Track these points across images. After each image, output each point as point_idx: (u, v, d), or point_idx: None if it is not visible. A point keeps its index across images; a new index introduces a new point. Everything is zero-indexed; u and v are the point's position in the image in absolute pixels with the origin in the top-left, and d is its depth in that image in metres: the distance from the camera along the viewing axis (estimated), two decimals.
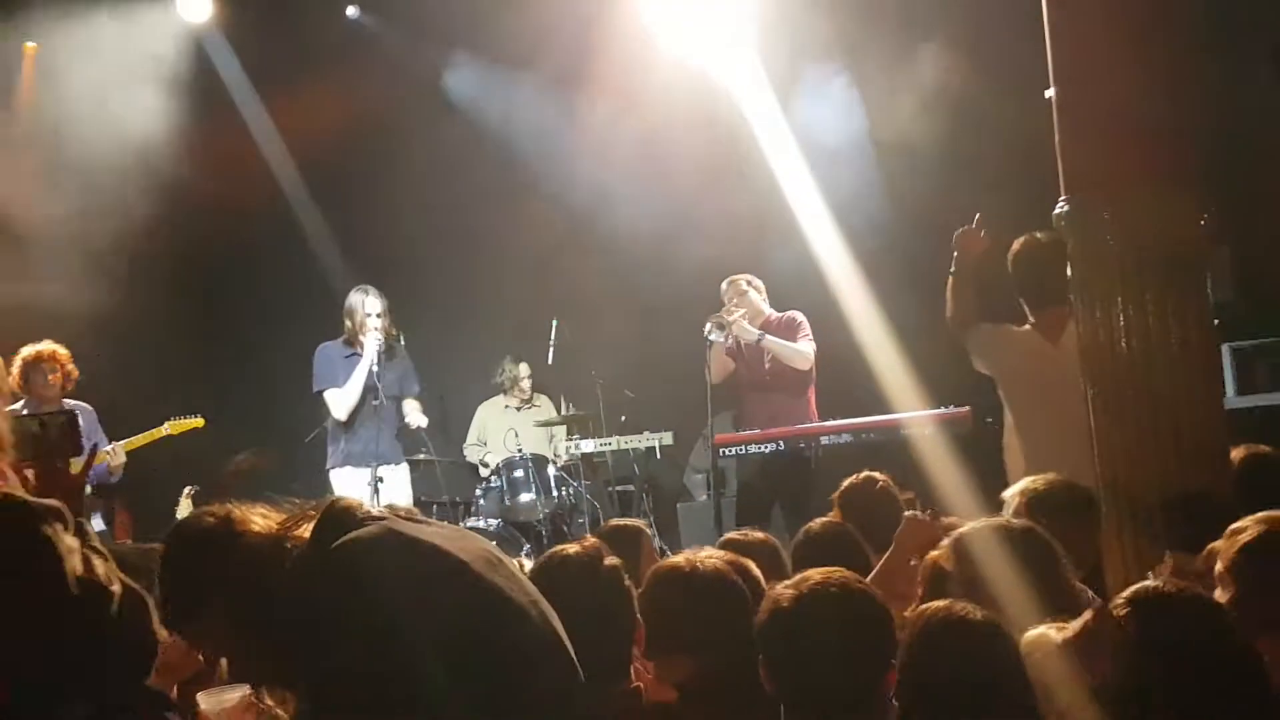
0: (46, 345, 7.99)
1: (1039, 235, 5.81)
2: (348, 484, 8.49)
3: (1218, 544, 3.60)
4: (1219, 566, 3.50)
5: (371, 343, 8.41)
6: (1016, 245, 5.92)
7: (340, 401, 8.48)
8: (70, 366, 7.97)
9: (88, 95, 9.56)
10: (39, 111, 9.79)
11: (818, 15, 9.23)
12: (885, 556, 4.59)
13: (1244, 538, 3.49)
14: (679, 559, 3.78)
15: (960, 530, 3.91)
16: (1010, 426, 6.12)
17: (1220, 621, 2.95)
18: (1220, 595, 3.40)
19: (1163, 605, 3.02)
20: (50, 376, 7.90)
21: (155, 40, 9.93)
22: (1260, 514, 3.53)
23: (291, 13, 10.22)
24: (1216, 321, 5.14)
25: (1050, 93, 5.09)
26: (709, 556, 3.79)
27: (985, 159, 8.52)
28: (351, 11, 10.64)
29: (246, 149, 10.14)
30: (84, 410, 7.89)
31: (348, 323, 8.51)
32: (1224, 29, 7.57)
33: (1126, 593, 3.07)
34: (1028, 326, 6.02)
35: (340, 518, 2.75)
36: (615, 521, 5.78)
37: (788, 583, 3.08)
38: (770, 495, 8.11)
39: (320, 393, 8.47)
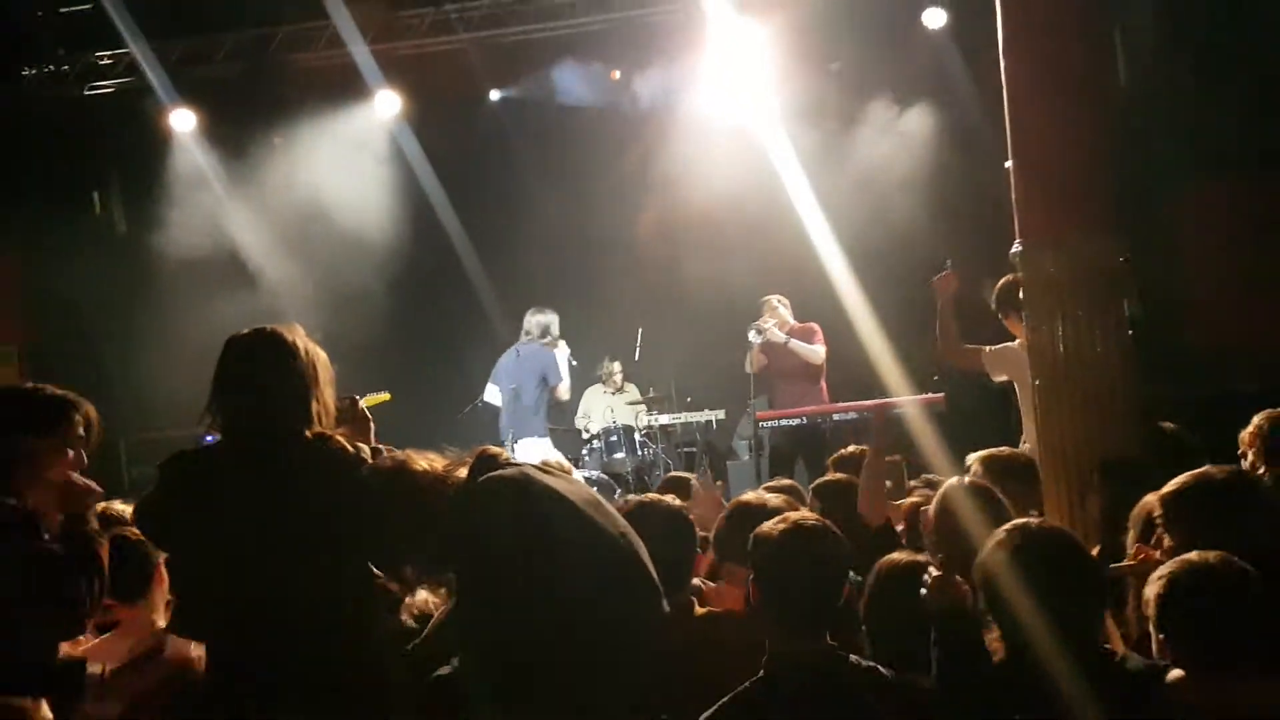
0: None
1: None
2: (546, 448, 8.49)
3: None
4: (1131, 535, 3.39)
5: (564, 348, 8.57)
6: (1001, 284, 5.79)
7: (566, 389, 8.63)
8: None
9: (317, 174, 9.55)
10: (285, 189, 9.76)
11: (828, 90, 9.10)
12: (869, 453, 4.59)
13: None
14: (750, 496, 3.79)
15: (942, 486, 3.80)
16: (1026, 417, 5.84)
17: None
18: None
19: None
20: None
21: (361, 130, 9.84)
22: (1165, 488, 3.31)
23: (451, 103, 10.05)
24: (1130, 332, 5.02)
25: (1009, 164, 5.02)
26: (771, 497, 3.78)
27: (957, 210, 8.42)
28: (494, 95, 10.37)
29: (424, 205, 10.10)
30: None
31: (549, 334, 8.53)
32: None
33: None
34: (1019, 342, 5.75)
35: (488, 461, 2.80)
36: (672, 474, 6.08)
37: (773, 520, 2.95)
38: (794, 456, 8.09)
39: (554, 387, 8.52)
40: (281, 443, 2.89)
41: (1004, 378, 5.98)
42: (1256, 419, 4.30)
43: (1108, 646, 2.75)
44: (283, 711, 2.78)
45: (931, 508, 3.75)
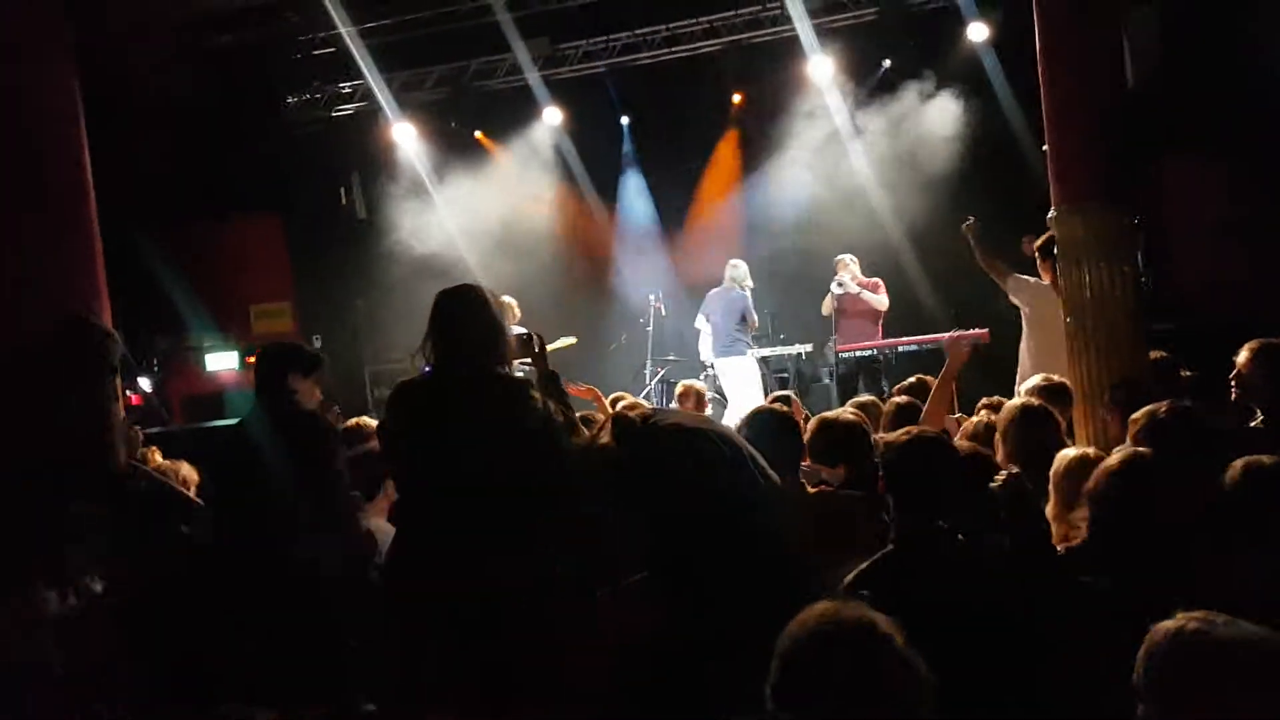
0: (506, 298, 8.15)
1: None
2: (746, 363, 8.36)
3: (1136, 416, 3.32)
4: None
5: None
6: (1042, 239, 5.59)
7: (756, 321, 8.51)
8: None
9: (502, 171, 9.59)
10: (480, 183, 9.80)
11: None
12: (941, 376, 4.38)
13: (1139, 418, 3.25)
14: (830, 414, 3.60)
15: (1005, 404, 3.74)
16: (1025, 336, 5.75)
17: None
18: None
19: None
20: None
21: (534, 138, 9.80)
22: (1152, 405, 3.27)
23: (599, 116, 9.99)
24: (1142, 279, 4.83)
25: (1045, 148, 4.82)
26: (845, 412, 3.65)
27: (995, 178, 8.14)
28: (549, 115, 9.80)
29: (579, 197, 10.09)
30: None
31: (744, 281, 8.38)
32: None
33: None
34: (1044, 281, 5.60)
35: (622, 420, 2.67)
36: (778, 392, 5.83)
37: (900, 430, 2.73)
38: (857, 379, 7.99)
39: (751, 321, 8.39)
40: (477, 377, 2.83)
41: (1018, 302, 5.80)
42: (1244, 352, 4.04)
43: None
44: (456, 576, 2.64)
45: (1003, 419, 3.65)
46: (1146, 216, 5.38)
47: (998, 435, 3.60)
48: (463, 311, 2.87)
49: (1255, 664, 1.56)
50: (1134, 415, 3.36)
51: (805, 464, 3.44)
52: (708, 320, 8.51)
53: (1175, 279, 7.22)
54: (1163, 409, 3.24)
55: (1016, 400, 3.71)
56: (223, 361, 9.65)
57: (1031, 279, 5.75)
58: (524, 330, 3.31)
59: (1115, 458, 2.58)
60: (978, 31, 8.31)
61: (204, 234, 9.65)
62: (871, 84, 8.84)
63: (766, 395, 8.04)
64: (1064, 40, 4.77)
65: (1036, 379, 4.39)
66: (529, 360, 3.18)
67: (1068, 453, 3.13)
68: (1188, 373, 4.70)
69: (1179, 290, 7.22)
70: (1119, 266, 4.67)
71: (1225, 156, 7.17)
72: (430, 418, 2.80)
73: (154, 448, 6.08)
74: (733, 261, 8.46)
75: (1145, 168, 7.29)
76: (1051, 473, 3.08)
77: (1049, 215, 4.81)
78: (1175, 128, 7.01)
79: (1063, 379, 4.46)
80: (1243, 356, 4.06)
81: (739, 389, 8.13)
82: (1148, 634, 1.66)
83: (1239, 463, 2.52)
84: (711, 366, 8.54)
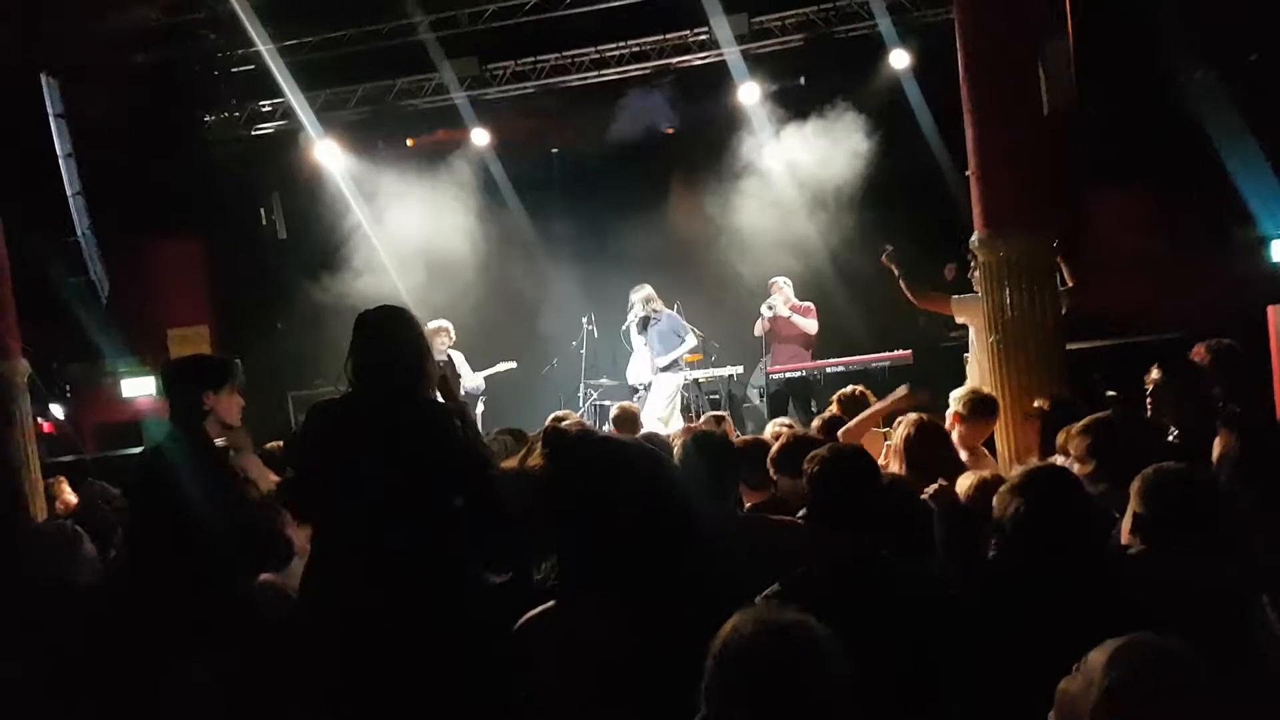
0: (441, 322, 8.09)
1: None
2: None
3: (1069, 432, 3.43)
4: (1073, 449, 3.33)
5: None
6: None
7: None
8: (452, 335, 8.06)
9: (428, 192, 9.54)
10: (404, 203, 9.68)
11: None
12: (872, 408, 4.46)
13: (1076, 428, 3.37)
14: (766, 434, 3.77)
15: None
16: (974, 350, 5.85)
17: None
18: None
19: None
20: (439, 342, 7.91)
21: (459, 159, 9.77)
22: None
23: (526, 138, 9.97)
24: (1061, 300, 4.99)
25: (969, 172, 4.95)
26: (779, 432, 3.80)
27: (919, 203, 8.33)
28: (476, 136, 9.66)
29: (506, 217, 10.03)
30: (457, 355, 8.06)
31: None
32: None
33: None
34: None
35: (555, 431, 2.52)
36: (712, 413, 5.81)
37: (822, 448, 2.78)
38: (788, 399, 8.08)
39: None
40: (397, 399, 2.76)
41: (964, 320, 5.91)
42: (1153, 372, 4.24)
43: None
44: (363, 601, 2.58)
45: (899, 435, 3.77)
46: (1065, 241, 5.54)
47: (896, 447, 3.67)
48: (384, 332, 2.81)
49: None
50: (1072, 427, 3.43)
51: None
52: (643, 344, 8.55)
53: (1093, 302, 7.45)
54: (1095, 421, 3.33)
55: (912, 416, 3.78)
56: (139, 387, 9.35)
57: (971, 296, 5.85)
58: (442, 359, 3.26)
59: (1016, 475, 2.60)
60: (899, 59, 8.52)
61: (120, 255, 9.33)
62: (794, 106, 8.98)
63: (690, 416, 8.17)
64: (984, 68, 4.93)
65: (963, 389, 4.50)
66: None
67: (966, 479, 3.16)
68: (1111, 393, 4.86)
69: (1096, 312, 7.46)
70: (1039, 289, 4.84)
71: (1140, 182, 7.46)
72: (346, 440, 2.73)
73: (62, 478, 5.86)
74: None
75: (1064, 194, 7.57)
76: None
77: (970, 240, 4.95)
78: (1091, 155, 7.28)
79: (990, 392, 4.57)
80: (1154, 373, 4.22)
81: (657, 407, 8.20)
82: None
83: (1149, 470, 2.57)
84: (645, 388, 8.55)
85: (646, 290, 8.45)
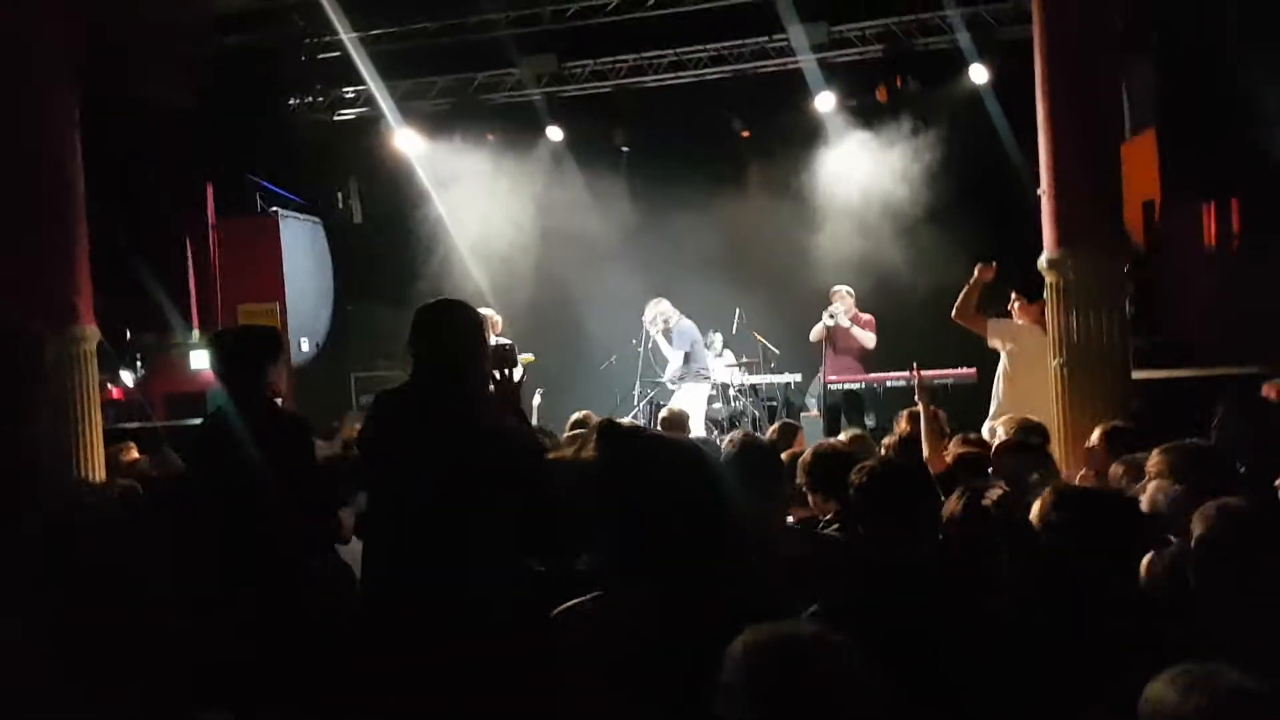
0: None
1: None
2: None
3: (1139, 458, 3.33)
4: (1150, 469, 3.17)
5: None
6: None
7: None
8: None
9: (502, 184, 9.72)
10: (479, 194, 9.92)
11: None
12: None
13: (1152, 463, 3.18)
14: (831, 442, 3.69)
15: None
16: (1003, 375, 5.79)
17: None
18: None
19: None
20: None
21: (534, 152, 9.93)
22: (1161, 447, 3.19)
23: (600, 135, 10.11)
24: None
25: (1041, 191, 4.92)
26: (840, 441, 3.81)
27: (987, 221, 8.26)
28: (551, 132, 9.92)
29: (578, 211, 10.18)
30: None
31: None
32: None
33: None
34: (1024, 320, 5.70)
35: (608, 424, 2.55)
36: (784, 420, 5.82)
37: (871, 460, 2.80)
38: (851, 412, 8.02)
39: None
40: (452, 392, 2.79)
41: (996, 343, 5.85)
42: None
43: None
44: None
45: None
46: (1142, 265, 5.48)
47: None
48: (440, 326, 2.84)
49: None
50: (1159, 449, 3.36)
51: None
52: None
53: (1169, 328, 7.31)
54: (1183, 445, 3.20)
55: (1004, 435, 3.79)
56: (207, 360, 9.62)
57: (1008, 320, 5.80)
58: (506, 342, 3.31)
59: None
60: (978, 74, 8.46)
61: (200, 233, 9.68)
62: (869, 117, 8.96)
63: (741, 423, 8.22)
64: (1064, 86, 4.91)
65: (1008, 420, 4.43)
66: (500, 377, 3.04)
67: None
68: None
69: (1171, 339, 7.32)
70: (1107, 313, 4.79)
71: (1222, 205, 7.30)
72: (403, 430, 2.78)
73: (130, 443, 6.08)
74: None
75: (1143, 212, 7.44)
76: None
77: (1040, 259, 4.91)
78: (1172, 173, 7.15)
79: (1038, 420, 4.51)
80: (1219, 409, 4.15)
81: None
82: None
83: (1211, 505, 2.57)
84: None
85: (654, 307, 8.52)
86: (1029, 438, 3.94)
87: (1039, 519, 2.50)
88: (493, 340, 7.93)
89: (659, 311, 8.56)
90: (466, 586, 2.61)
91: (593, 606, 2.02)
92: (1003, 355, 5.80)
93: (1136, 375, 5.18)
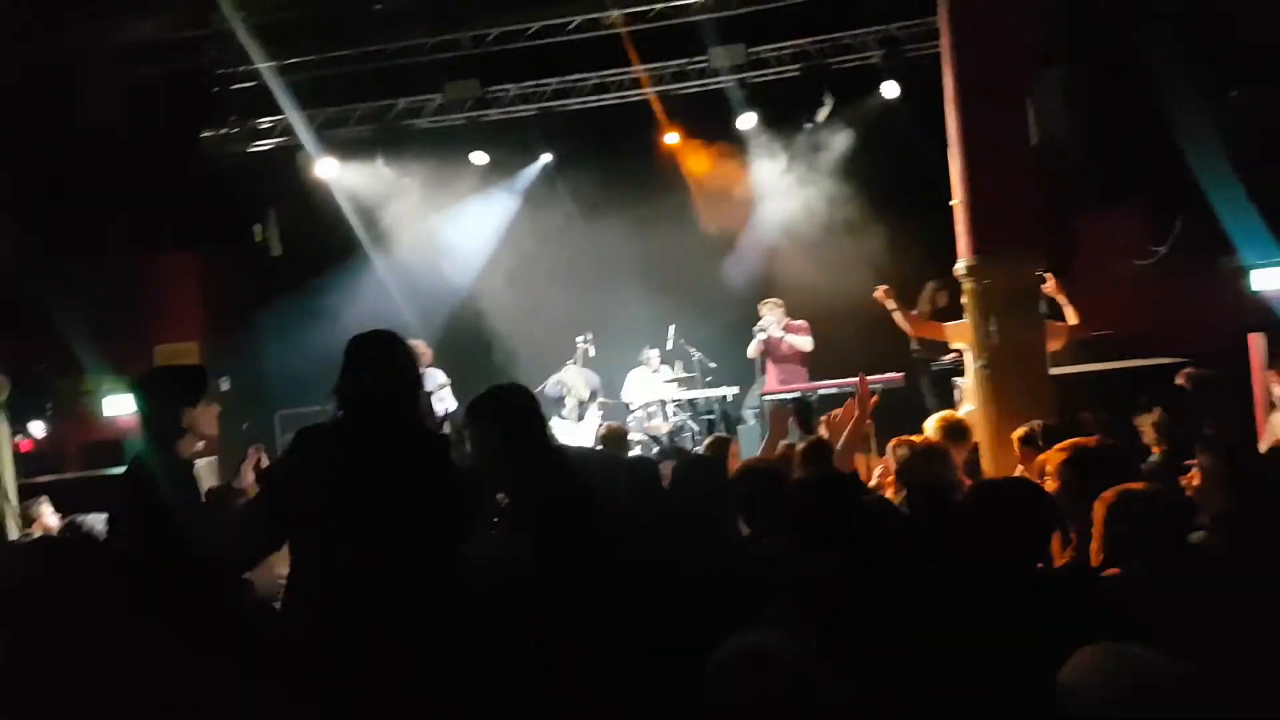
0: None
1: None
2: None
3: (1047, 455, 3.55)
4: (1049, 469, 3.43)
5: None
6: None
7: None
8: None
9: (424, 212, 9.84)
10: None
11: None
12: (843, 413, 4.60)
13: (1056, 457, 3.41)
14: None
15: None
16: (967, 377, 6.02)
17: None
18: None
19: None
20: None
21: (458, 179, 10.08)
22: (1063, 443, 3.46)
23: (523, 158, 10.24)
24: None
25: (954, 201, 5.25)
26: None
27: (909, 230, 8.66)
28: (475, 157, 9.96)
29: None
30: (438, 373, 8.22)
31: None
32: None
33: None
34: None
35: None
36: (718, 434, 6.02)
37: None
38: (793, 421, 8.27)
39: None
40: (393, 427, 2.74)
41: (959, 345, 6.16)
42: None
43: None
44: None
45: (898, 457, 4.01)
46: (1053, 269, 5.84)
47: (895, 474, 3.90)
48: (378, 357, 2.78)
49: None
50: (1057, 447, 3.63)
51: None
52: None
53: (1084, 327, 7.74)
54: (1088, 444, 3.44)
55: (914, 439, 4.01)
56: (121, 406, 9.45)
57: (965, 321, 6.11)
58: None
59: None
60: (890, 89, 8.88)
61: (111, 269, 9.53)
62: (790, 134, 9.33)
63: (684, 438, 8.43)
64: (970, 100, 5.23)
65: (936, 416, 4.68)
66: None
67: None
68: (1085, 413, 5.11)
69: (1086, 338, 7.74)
70: (1023, 316, 5.13)
71: (1128, 210, 7.79)
72: (339, 468, 2.67)
73: (44, 497, 5.94)
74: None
75: (1051, 219, 7.87)
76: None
77: (956, 267, 5.24)
78: (1079, 185, 7.61)
79: (961, 417, 4.79)
80: (1154, 413, 4.43)
81: None
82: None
83: (1109, 491, 2.76)
84: (642, 406, 8.85)
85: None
86: (946, 439, 4.20)
87: (960, 510, 2.74)
88: (433, 384, 8.09)
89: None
90: (404, 621, 2.58)
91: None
92: (966, 354, 6.09)
93: (1054, 372, 5.54)
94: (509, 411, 2.85)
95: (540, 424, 2.90)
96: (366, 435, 2.70)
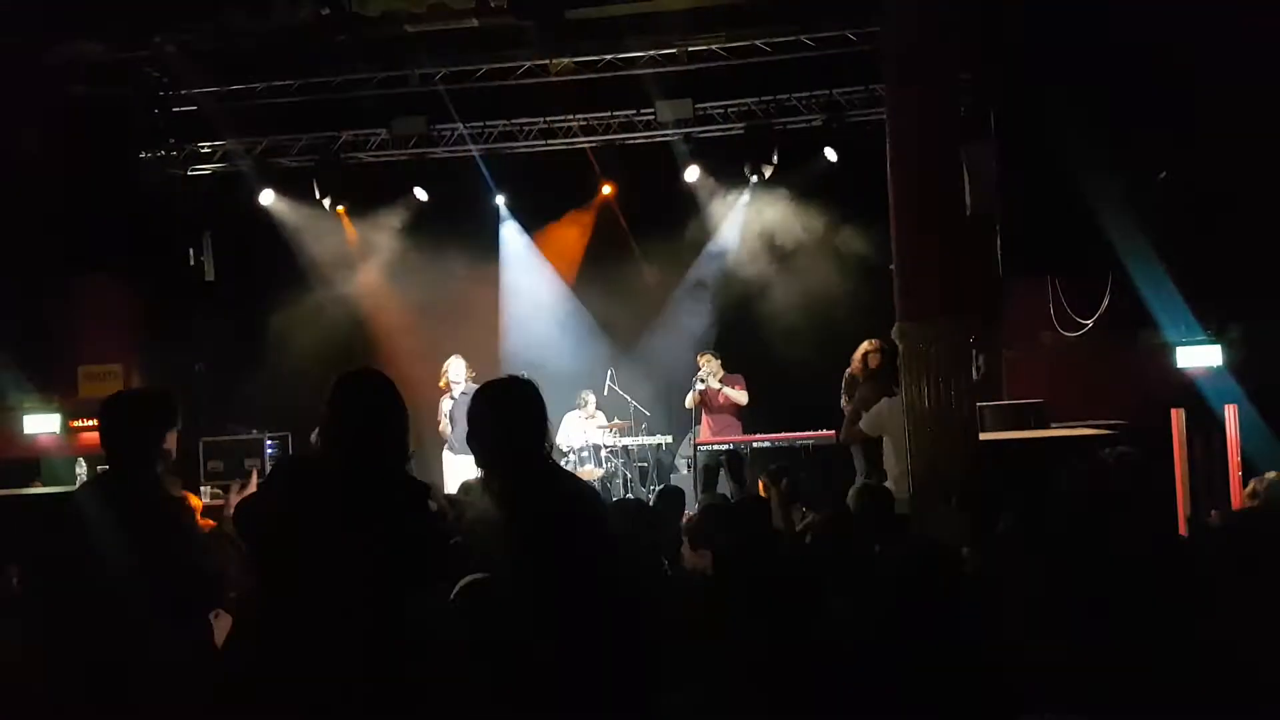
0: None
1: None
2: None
3: None
4: None
5: None
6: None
7: None
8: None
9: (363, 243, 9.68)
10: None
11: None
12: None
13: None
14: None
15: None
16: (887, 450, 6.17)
17: None
18: None
19: None
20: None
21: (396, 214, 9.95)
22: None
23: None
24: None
25: (892, 266, 5.23)
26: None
27: (847, 297, 8.69)
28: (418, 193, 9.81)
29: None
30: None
31: None
32: None
33: None
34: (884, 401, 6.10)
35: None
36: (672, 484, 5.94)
37: None
38: (718, 471, 8.19)
39: None
40: (379, 473, 2.65)
41: (878, 434, 6.17)
42: None
43: None
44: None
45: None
46: (984, 334, 5.85)
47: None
48: (371, 401, 2.68)
49: None
50: None
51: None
52: None
53: (1009, 395, 7.79)
54: None
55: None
56: (42, 424, 9.12)
57: (878, 407, 6.13)
58: None
59: None
60: (830, 154, 8.91)
61: (37, 289, 9.17)
62: (734, 190, 9.33)
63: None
64: (908, 169, 5.24)
65: (858, 484, 4.68)
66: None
67: None
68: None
69: (1011, 405, 7.78)
70: (954, 381, 5.09)
71: (1057, 282, 7.89)
72: (319, 507, 2.59)
73: None
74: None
75: (985, 288, 7.96)
76: None
77: (892, 330, 5.21)
78: (1011, 251, 7.70)
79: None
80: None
81: None
82: None
83: None
84: (574, 450, 8.69)
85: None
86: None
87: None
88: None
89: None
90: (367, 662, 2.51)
91: None
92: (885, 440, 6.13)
93: (984, 437, 5.52)
94: (519, 400, 2.64)
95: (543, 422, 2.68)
96: (352, 478, 2.62)
